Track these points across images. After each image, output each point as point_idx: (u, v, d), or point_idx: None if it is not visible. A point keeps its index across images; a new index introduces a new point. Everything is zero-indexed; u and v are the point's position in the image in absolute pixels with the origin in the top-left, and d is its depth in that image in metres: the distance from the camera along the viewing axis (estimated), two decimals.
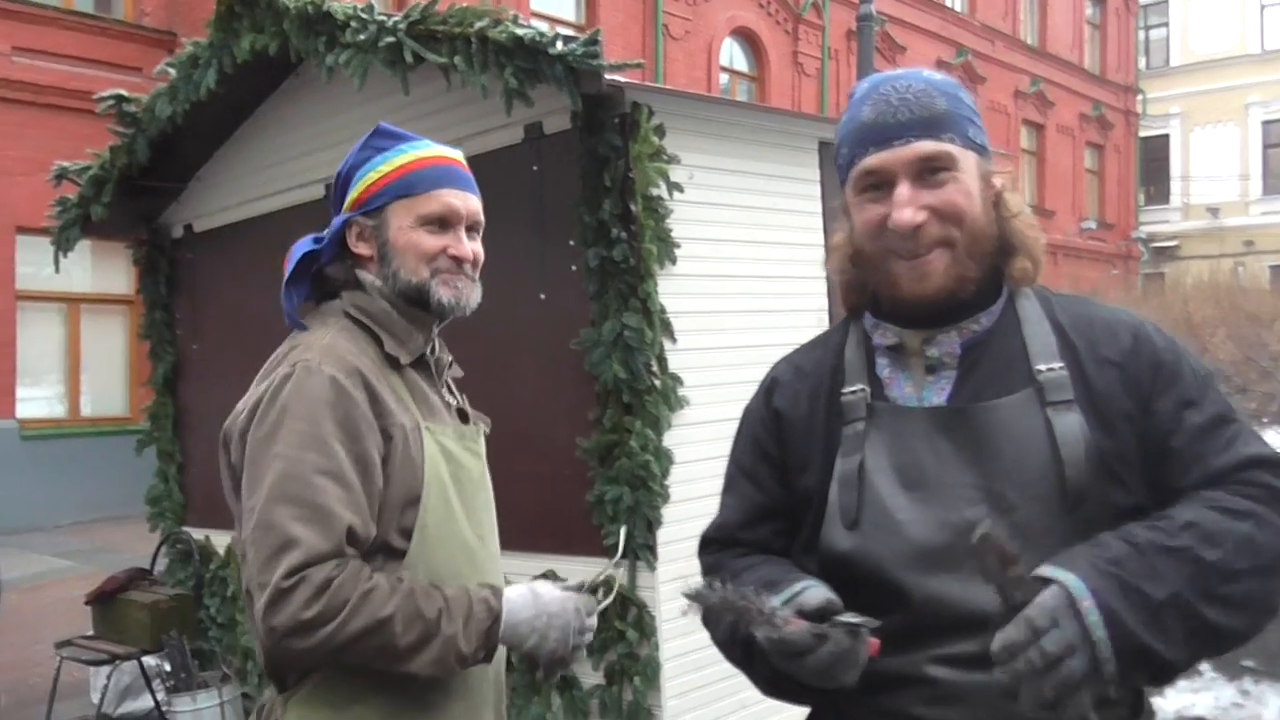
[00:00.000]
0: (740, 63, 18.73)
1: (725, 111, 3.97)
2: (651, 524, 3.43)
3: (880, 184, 1.43)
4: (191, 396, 5.38)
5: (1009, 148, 24.37)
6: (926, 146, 1.41)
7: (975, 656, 1.33)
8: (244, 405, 1.77)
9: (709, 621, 1.54)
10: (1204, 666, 4.95)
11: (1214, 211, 30.12)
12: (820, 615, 1.34)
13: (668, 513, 3.45)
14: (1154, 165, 31.57)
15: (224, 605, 5.09)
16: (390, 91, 3.77)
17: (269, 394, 1.72)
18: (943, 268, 1.42)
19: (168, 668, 4.92)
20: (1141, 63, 31.66)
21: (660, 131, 3.45)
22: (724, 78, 18.17)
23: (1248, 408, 10.18)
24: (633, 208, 3.36)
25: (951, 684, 1.37)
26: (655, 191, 3.43)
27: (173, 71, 4.52)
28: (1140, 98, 30.72)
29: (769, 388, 1.62)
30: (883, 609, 1.40)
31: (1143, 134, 31.11)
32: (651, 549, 3.43)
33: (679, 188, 3.50)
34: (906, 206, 1.40)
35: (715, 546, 1.64)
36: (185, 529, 5.35)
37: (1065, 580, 1.23)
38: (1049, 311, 1.48)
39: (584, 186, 3.43)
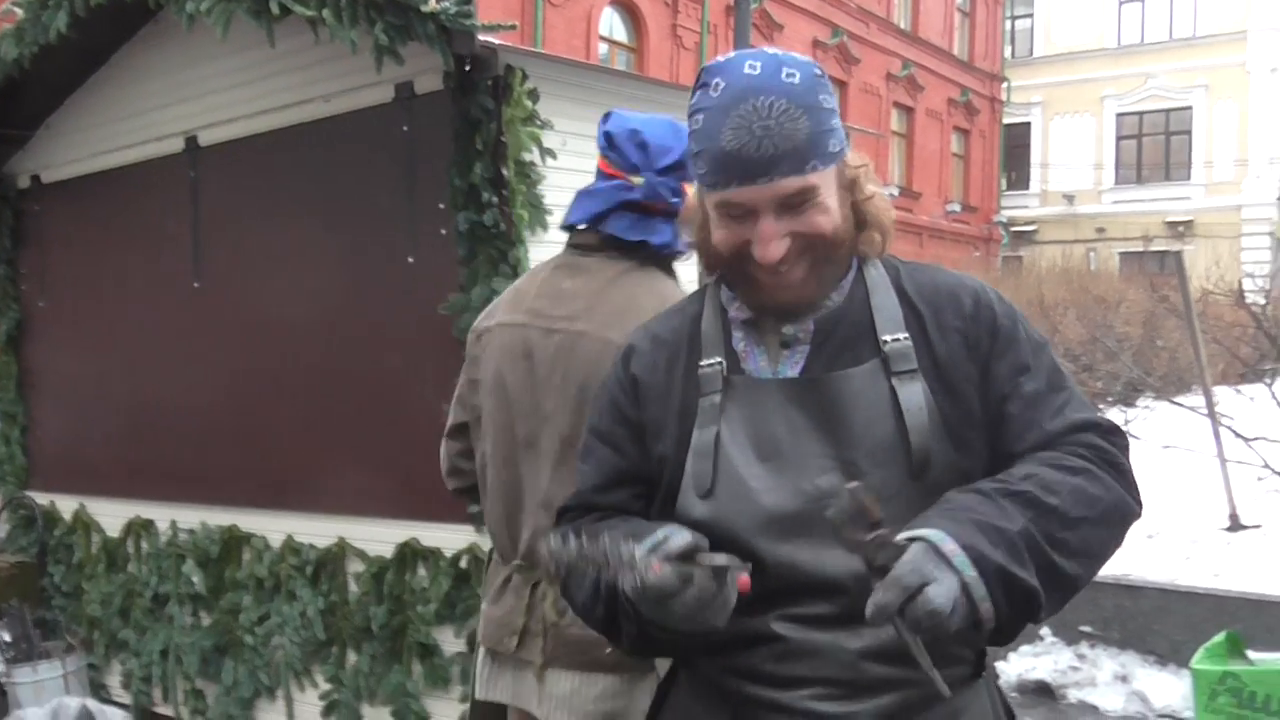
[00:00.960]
0: (619, 33, 18.70)
1: (600, 79, 3.95)
2: None
3: (743, 213, 1.43)
4: (37, 355, 5.13)
5: (880, 129, 24.94)
6: (791, 184, 1.40)
7: (824, 616, 1.40)
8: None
9: (569, 587, 1.54)
10: (1044, 631, 5.20)
11: (1070, 199, 31.41)
12: (686, 559, 1.32)
13: None
14: (1016, 152, 32.73)
15: (69, 573, 4.88)
16: (256, 44, 3.63)
17: None
18: (802, 277, 1.45)
19: (7, 638, 4.72)
20: (1007, 51, 32.73)
21: (534, 96, 3.40)
22: (603, 47, 18.12)
23: (1094, 386, 10.68)
24: (504, 172, 3.32)
25: (800, 641, 1.41)
26: (528, 157, 3.39)
27: (20, 11, 4.27)
28: (1005, 85, 31.77)
29: (626, 355, 1.62)
30: None
31: (1006, 121, 32.22)
32: None
33: (552, 154, 3.47)
34: (771, 241, 1.41)
35: (572, 514, 1.61)
36: (28, 493, 5.12)
37: (925, 534, 1.26)
38: (896, 280, 1.52)
39: (455, 149, 3.37)
